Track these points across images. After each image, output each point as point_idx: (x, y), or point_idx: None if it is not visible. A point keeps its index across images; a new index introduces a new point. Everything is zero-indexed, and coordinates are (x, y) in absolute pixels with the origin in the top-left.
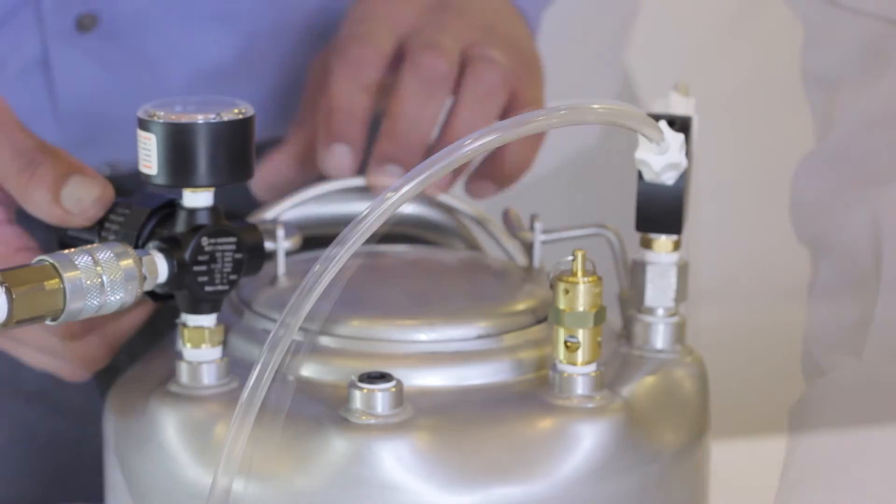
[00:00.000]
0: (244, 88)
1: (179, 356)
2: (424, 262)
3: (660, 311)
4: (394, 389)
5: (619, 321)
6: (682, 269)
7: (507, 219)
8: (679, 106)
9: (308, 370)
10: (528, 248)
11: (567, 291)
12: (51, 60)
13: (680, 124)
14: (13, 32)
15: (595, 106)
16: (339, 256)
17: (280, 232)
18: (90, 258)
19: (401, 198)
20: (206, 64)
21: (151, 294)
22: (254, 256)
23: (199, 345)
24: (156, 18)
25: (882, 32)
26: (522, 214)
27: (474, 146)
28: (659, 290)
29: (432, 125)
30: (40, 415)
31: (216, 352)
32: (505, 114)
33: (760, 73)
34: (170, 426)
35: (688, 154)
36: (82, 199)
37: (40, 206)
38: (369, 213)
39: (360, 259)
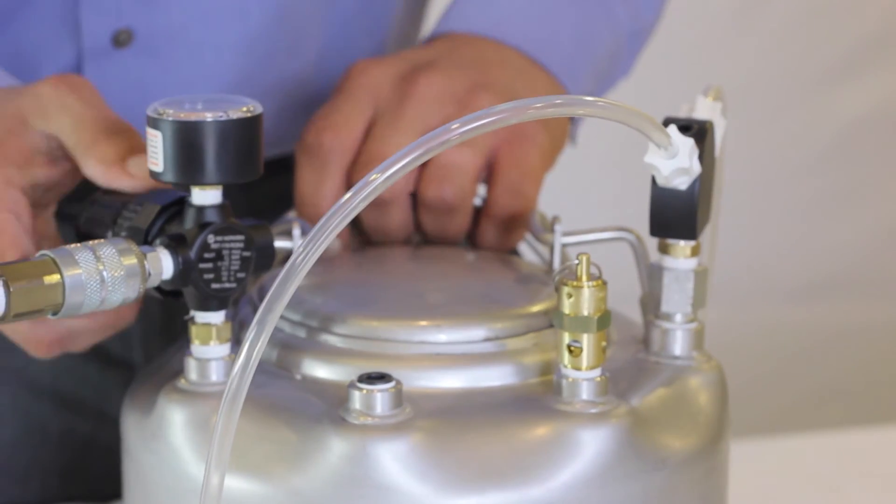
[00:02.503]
0: (271, 110)
1: (188, 353)
2: (445, 261)
3: (678, 317)
4: (393, 390)
5: (641, 326)
6: (701, 275)
7: (532, 221)
8: (704, 110)
9: (312, 369)
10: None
11: (570, 296)
12: (85, 75)
13: (697, 129)
14: (49, 43)
15: (599, 102)
16: (323, 238)
17: (296, 231)
18: (91, 254)
19: (386, 179)
20: (235, 84)
21: (160, 290)
22: (263, 255)
23: (208, 341)
24: (191, 38)
25: None
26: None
27: (463, 130)
28: (676, 295)
29: None
30: (52, 411)
31: (224, 348)
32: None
33: (761, 73)
34: (177, 422)
35: (705, 160)
36: (142, 169)
37: (102, 160)
38: (352, 196)
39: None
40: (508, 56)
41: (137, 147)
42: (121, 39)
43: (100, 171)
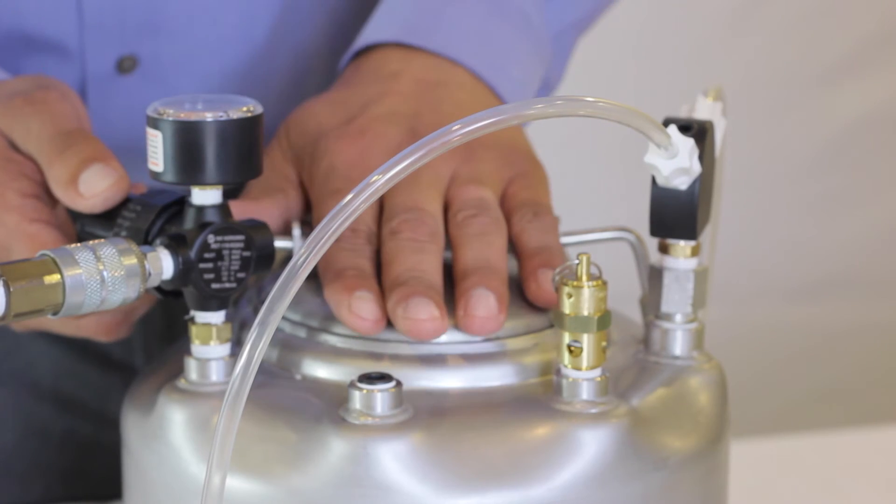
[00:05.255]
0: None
1: (188, 352)
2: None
3: (678, 318)
4: (393, 390)
5: (642, 326)
6: (701, 275)
7: None
8: (704, 111)
9: (312, 369)
10: None
11: (570, 296)
12: (88, 100)
13: (697, 129)
14: (54, 67)
15: (600, 102)
16: (324, 240)
17: (296, 231)
18: (92, 254)
19: (388, 181)
20: None
21: (160, 290)
22: (263, 255)
23: (208, 341)
24: (195, 63)
25: None
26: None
27: (464, 131)
28: (676, 295)
29: None
30: (54, 413)
31: (224, 349)
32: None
33: (761, 73)
34: (177, 422)
35: (705, 160)
36: (95, 186)
37: (58, 184)
38: (353, 197)
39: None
40: (461, 80)
41: (91, 156)
42: (125, 66)
43: (60, 195)
